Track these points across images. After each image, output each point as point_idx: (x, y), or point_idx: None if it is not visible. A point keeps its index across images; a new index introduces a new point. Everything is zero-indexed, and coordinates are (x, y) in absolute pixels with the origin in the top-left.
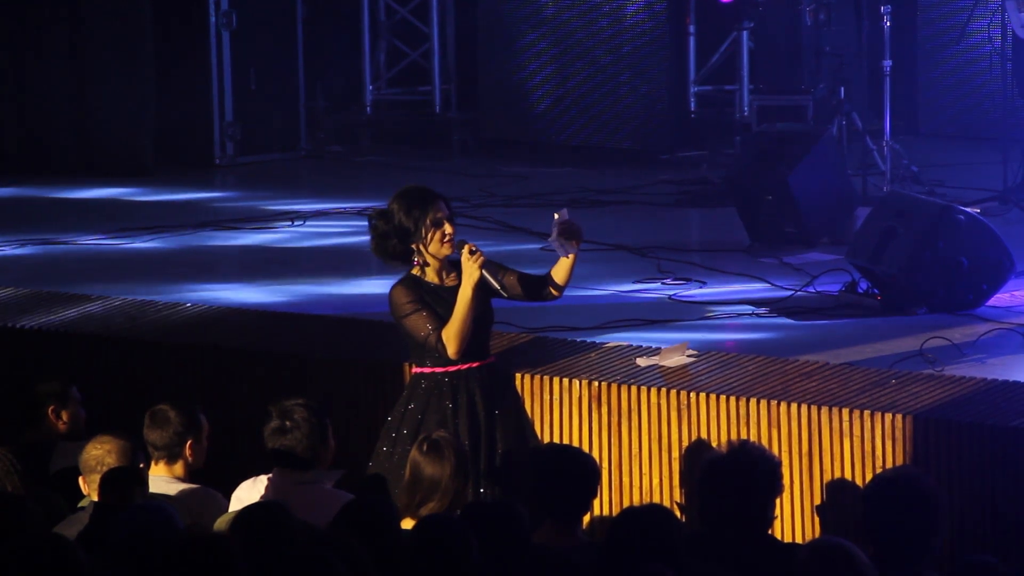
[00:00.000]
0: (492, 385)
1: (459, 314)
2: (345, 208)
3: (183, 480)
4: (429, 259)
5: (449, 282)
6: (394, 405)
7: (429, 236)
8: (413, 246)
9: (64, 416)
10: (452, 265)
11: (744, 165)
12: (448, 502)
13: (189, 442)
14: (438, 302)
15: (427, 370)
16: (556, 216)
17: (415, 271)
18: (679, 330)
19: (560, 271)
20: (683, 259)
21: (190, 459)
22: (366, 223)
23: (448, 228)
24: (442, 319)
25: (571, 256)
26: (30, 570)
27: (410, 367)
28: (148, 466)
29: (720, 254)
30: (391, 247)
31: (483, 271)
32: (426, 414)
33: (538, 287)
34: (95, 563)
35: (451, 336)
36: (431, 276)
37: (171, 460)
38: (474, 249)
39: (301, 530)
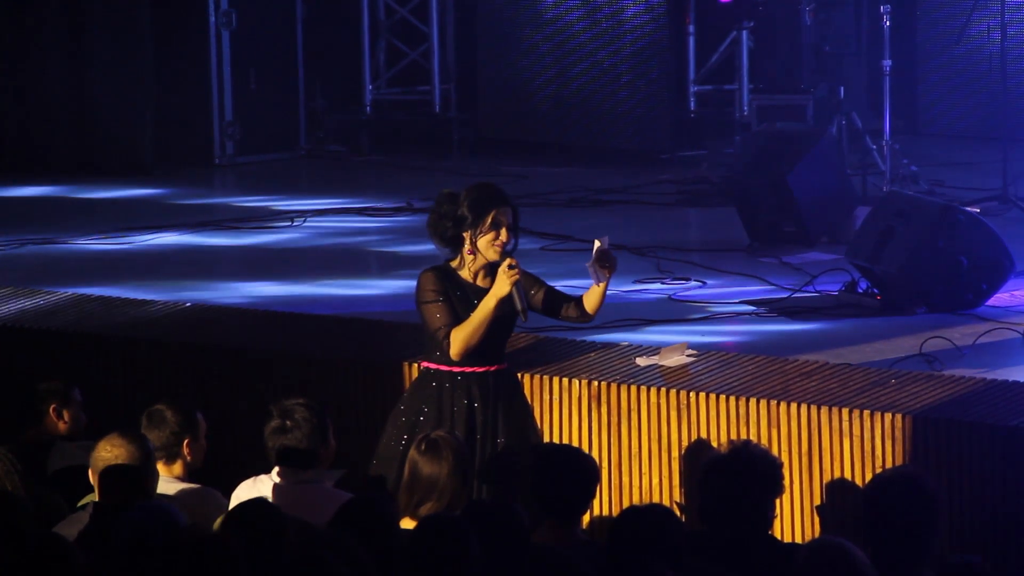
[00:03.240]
0: (499, 391)
1: (475, 320)
2: (345, 208)
3: (182, 480)
4: (477, 253)
5: (481, 284)
6: (399, 399)
7: (483, 232)
8: (465, 235)
9: (65, 416)
10: (492, 269)
11: (744, 165)
12: (447, 502)
13: (187, 441)
14: (462, 300)
15: (434, 366)
16: (597, 243)
17: (454, 262)
18: (679, 330)
19: (592, 298)
20: (683, 259)
21: (188, 458)
22: (367, 225)
23: (504, 235)
24: (459, 318)
25: (602, 284)
26: (27, 570)
27: (419, 362)
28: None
29: (720, 254)
30: (445, 229)
31: (514, 289)
32: (427, 410)
33: (563, 309)
34: (97, 563)
35: (459, 338)
36: (466, 273)
37: (169, 460)
38: (513, 264)
39: (293, 528)
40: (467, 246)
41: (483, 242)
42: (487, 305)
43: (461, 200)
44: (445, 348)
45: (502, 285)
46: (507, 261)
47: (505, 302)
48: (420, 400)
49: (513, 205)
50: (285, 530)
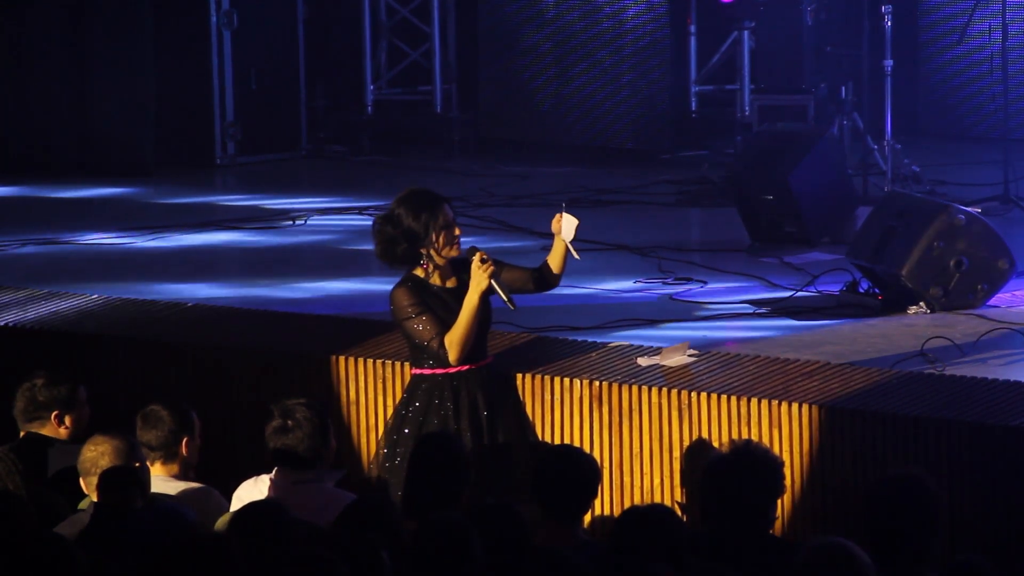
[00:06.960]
0: (492, 385)
1: (463, 321)
2: (345, 208)
3: (181, 479)
4: (438, 261)
5: (449, 284)
6: (394, 406)
7: (440, 239)
8: (422, 250)
9: (67, 421)
10: (452, 267)
11: (745, 165)
12: None
13: (185, 440)
14: (440, 305)
15: (427, 371)
16: (573, 220)
17: (419, 272)
18: (680, 330)
19: (556, 260)
20: (684, 259)
21: (187, 457)
22: (368, 225)
23: (457, 230)
24: (444, 323)
25: (571, 249)
26: (28, 570)
27: (410, 368)
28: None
29: (721, 254)
30: (399, 252)
31: (493, 282)
32: (427, 416)
33: (537, 281)
34: (106, 563)
35: (454, 342)
36: (434, 278)
37: (167, 459)
38: (485, 258)
39: (300, 529)
40: (426, 261)
41: (444, 248)
42: (471, 302)
43: (401, 218)
44: (442, 356)
45: (481, 280)
46: (477, 255)
47: (487, 295)
48: (418, 408)
49: (447, 199)
50: (292, 531)
